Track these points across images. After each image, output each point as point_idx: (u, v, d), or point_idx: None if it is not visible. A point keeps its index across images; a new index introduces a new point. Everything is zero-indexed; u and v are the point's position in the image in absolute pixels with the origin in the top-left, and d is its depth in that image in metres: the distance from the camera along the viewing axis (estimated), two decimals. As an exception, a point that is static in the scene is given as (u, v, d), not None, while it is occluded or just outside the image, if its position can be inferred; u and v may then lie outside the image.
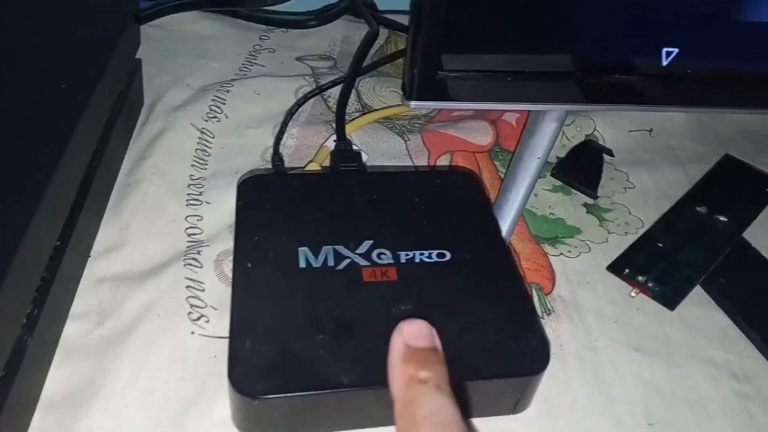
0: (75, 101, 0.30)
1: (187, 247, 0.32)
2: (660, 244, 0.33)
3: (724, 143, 0.43)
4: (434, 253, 0.29)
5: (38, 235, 0.25)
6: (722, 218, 0.35)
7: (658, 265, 0.32)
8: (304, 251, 0.28)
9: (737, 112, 0.39)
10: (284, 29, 0.50)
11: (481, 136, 0.40)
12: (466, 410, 0.26)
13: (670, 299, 0.31)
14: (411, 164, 0.38)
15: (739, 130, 0.44)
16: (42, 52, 0.32)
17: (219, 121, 0.39)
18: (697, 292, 0.32)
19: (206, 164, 0.37)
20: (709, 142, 0.43)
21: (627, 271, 0.32)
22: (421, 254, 0.29)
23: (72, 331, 0.27)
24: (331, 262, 0.28)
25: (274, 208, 0.30)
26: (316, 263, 0.28)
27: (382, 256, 0.28)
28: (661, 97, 0.35)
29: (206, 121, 0.39)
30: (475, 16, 0.32)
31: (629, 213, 0.37)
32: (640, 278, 0.32)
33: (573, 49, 0.33)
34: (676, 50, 0.34)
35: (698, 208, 0.36)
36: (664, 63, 0.34)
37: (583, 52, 0.33)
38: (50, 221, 0.27)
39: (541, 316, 0.31)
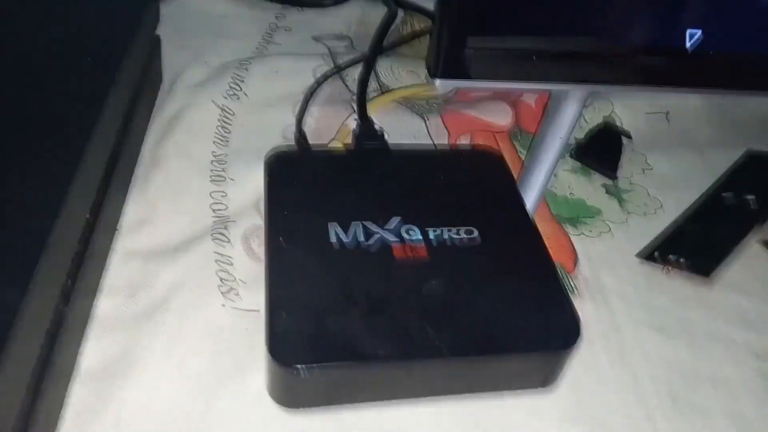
0: (102, 77, 0.29)
1: (213, 222, 0.32)
2: (689, 230, 0.33)
3: (741, 128, 0.43)
4: (462, 230, 0.29)
5: (71, 210, 0.25)
6: (750, 197, 0.35)
7: (689, 243, 0.33)
8: (334, 226, 0.28)
9: (760, 95, 0.40)
10: (300, 8, 0.49)
11: (501, 117, 0.40)
12: (497, 384, 0.26)
13: (704, 267, 0.32)
14: (431, 144, 0.38)
15: (755, 115, 0.45)
16: (66, 29, 0.31)
17: (239, 99, 0.39)
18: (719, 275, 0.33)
19: (228, 141, 0.36)
20: (725, 127, 0.43)
21: (656, 254, 0.33)
22: (449, 231, 0.29)
23: (105, 305, 0.28)
24: (361, 238, 0.28)
25: (301, 184, 0.30)
26: (347, 238, 0.28)
27: (411, 233, 0.29)
28: (683, 79, 0.35)
29: (226, 98, 0.39)
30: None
31: (648, 194, 0.37)
32: (671, 257, 0.32)
33: (597, 29, 0.33)
34: (699, 32, 0.34)
35: (724, 194, 0.36)
36: (687, 45, 0.34)
37: (608, 32, 0.33)
38: (82, 195, 0.27)
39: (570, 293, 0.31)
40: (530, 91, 0.42)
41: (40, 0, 0.33)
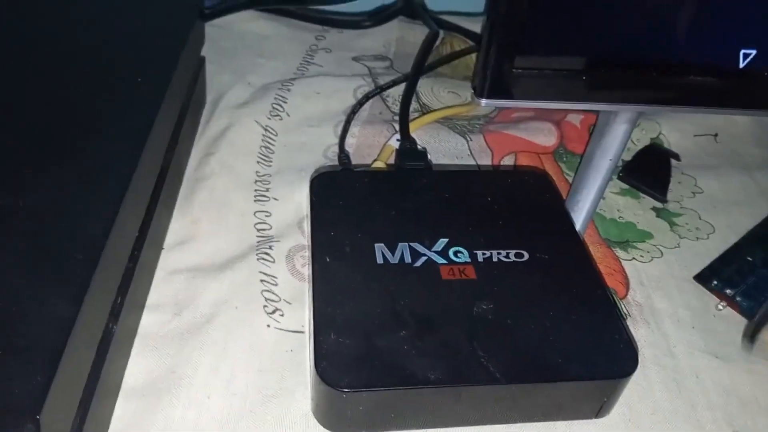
0: (151, 97, 0.30)
1: (258, 241, 0.32)
2: (749, 258, 0.32)
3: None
4: (512, 252, 0.28)
5: (123, 226, 0.25)
6: None
7: (747, 279, 0.31)
8: (380, 247, 0.28)
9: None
10: (339, 29, 0.50)
11: (545, 137, 0.40)
12: (549, 413, 0.25)
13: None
14: (474, 164, 0.38)
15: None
16: (116, 49, 0.32)
17: (281, 119, 0.39)
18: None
19: (271, 161, 0.37)
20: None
21: (715, 283, 0.32)
22: (499, 253, 0.28)
23: (150, 321, 0.28)
24: (408, 259, 0.28)
25: (347, 204, 0.30)
26: (393, 259, 0.27)
27: (459, 255, 0.28)
28: (735, 99, 0.34)
29: (269, 118, 0.39)
30: (550, 15, 0.31)
31: (699, 218, 0.36)
32: (728, 291, 0.31)
33: (648, 49, 0.33)
34: (754, 52, 0.33)
35: None
36: (741, 65, 0.33)
37: (659, 52, 0.33)
38: (132, 213, 0.27)
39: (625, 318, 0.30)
40: (577, 111, 0.41)
41: (89, 20, 0.34)
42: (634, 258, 0.33)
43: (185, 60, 0.35)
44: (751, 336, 0.28)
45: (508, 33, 0.31)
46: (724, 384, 0.28)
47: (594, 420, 0.26)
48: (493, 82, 0.32)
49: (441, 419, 0.25)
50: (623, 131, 0.34)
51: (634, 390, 0.27)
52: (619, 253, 0.33)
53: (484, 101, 0.33)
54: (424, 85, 0.44)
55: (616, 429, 0.26)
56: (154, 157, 0.30)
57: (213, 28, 0.47)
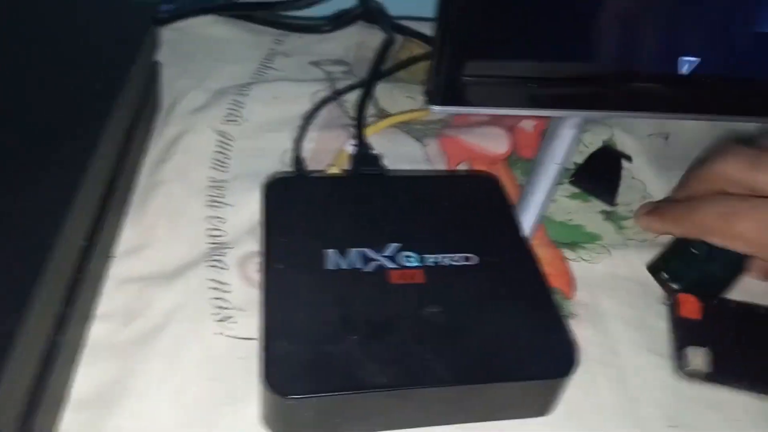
0: (101, 102, 0.30)
1: (211, 248, 0.32)
2: (694, 251, 0.33)
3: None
4: (460, 256, 0.29)
5: (69, 235, 0.25)
6: None
7: (691, 273, 0.33)
8: (331, 253, 0.28)
9: (756, 121, 0.40)
10: (299, 34, 0.50)
11: (498, 143, 0.40)
12: (495, 412, 0.26)
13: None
14: (429, 169, 0.39)
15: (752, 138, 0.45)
16: (67, 53, 0.32)
17: (238, 125, 0.39)
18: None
19: (227, 167, 0.37)
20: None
21: (665, 275, 0.33)
22: (448, 257, 0.29)
23: (99, 331, 0.27)
24: (358, 264, 0.28)
25: (300, 209, 0.30)
26: (344, 265, 0.28)
27: (409, 259, 0.28)
28: (680, 105, 0.35)
29: (225, 124, 0.39)
30: (499, 23, 0.32)
31: (646, 220, 0.37)
32: (675, 286, 0.32)
33: (594, 56, 0.34)
34: (695, 59, 0.34)
35: None
36: (685, 72, 0.34)
37: (605, 59, 0.34)
38: (80, 222, 0.27)
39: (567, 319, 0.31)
40: (527, 117, 0.42)
41: (39, 24, 0.33)
42: (581, 258, 0.34)
43: (139, 65, 0.35)
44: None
45: (458, 41, 0.32)
46: (667, 382, 0.29)
47: (539, 418, 0.27)
48: (443, 90, 0.33)
49: (391, 422, 0.25)
50: (571, 136, 0.35)
51: (579, 388, 0.28)
52: (567, 253, 0.34)
53: (436, 108, 0.33)
54: (382, 90, 0.44)
55: (561, 426, 0.27)
56: (104, 163, 0.30)
57: (171, 32, 0.47)
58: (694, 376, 0.28)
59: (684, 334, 0.30)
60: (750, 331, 0.30)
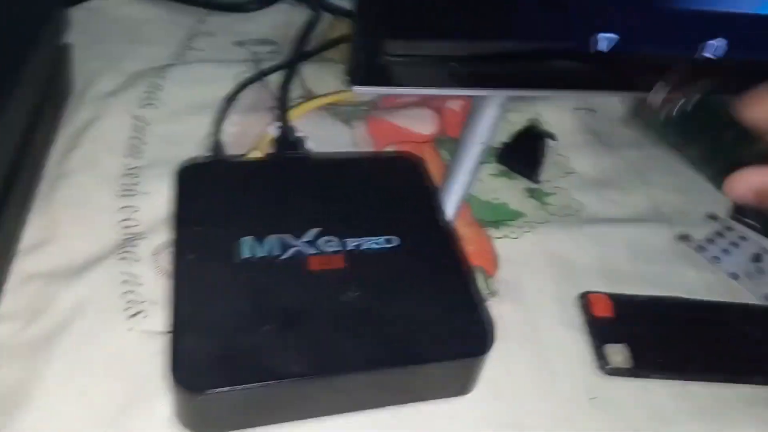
0: (-3, 88, 0.28)
1: (123, 239, 0.30)
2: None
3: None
4: (382, 239, 0.29)
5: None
6: None
7: None
8: (247, 241, 0.27)
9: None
10: (223, 12, 0.48)
11: (426, 124, 0.40)
12: (415, 394, 0.26)
13: None
14: (356, 152, 0.38)
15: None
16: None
17: (155, 108, 0.38)
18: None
19: (142, 153, 0.35)
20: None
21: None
22: (369, 240, 0.28)
23: (1, 332, 0.26)
24: (276, 252, 0.27)
25: (215, 196, 0.29)
26: (261, 253, 0.27)
27: (330, 244, 0.28)
28: (599, 82, 0.36)
29: (141, 108, 0.38)
30: (418, 2, 0.32)
31: (569, 196, 0.38)
32: None
33: (513, 34, 0.33)
34: (614, 36, 0.34)
35: None
36: (603, 49, 0.35)
37: (524, 37, 0.34)
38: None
39: (485, 299, 0.31)
40: (450, 97, 0.42)
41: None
42: (505, 235, 0.34)
43: (43, 47, 0.33)
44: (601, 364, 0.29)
45: (377, 20, 0.31)
46: (583, 356, 0.30)
47: (461, 397, 0.27)
48: (365, 70, 0.32)
49: (307, 410, 0.25)
50: (493, 115, 0.35)
51: (498, 365, 0.28)
52: (492, 231, 0.35)
53: (357, 89, 0.33)
54: (309, 70, 0.43)
55: (481, 403, 0.27)
56: (3, 154, 0.28)
57: (84, 12, 0.44)
58: (615, 373, 0.29)
59: (600, 332, 0.30)
60: (661, 322, 0.31)
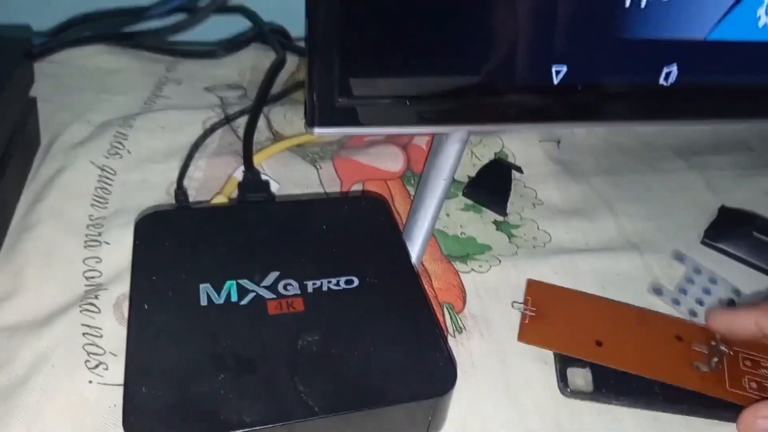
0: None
1: (85, 291, 0.30)
2: None
3: (627, 154, 0.45)
4: (342, 280, 0.29)
5: None
6: None
7: None
8: (205, 288, 0.27)
9: (628, 124, 0.41)
10: (192, 59, 0.49)
11: (392, 162, 0.41)
12: (379, 438, 0.25)
13: None
14: (323, 193, 0.38)
15: (641, 140, 0.47)
16: None
17: (121, 158, 0.38)
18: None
19: (107, 203, 0.35)
20: (611, 154, 0.45)
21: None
22: (329, 282, 0.28)
23: (-44, 389, 0.26)
24: (234, 298, 0.27)
25: (174, 244, 0.29)
26: (219, 299, 0.27)
27: (289, 287, 0.28)
28: (555, 113, 0.36)
29: (107, 157, 0.38)
30: (369, 42, 0.32)
31: (538, 228, 0.38)
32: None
33: (467, 71, 0.34)
34: (564, 68, 0.35)
35: None
36: (555, 81, 0.35)
37: (480, 74, 0.34)
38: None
39: (452, 334, 0.31)
40: (410, 134, 0.42)
41: None
42: (473, 269, 0.34)
43: (7, 103, 0.33)
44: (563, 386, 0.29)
45: (329, 60, 0.32)
46: (552, 389, 0.29)
47: (427, 437, 0.26)
48: (320, 111, 0.33)
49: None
50: (455, 151, 0.35)
51: (465, 401, 0.28)
52: (459, 266, 0.35)
53: (316, 130, 0.33)
54: (276, 113, 0.44)
55: (449, 442, 0.27)
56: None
57: (53, 65, 0.45)
58: (576, 395, 0.29)
59: (564, 356, 0.30)
60: None
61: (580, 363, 0.30)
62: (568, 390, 0.29)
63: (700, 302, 0.35)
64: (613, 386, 0.29)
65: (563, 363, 0.30)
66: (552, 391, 0.29)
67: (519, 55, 0.34)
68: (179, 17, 0.50)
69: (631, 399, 0.29)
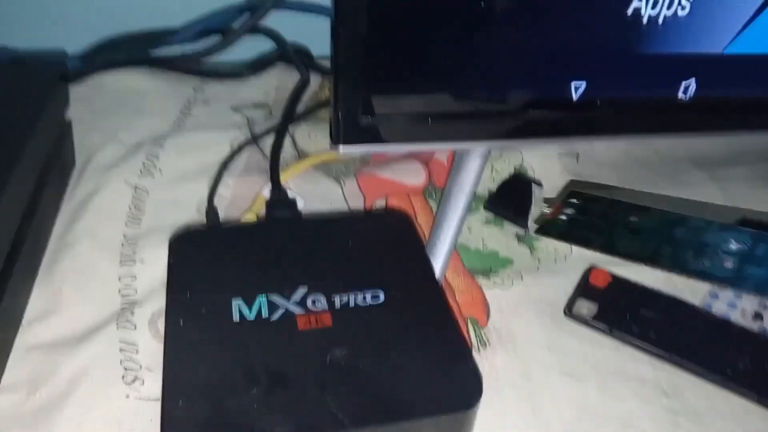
0: (1, 166, 0.29)
1: (121, 308, 0.31)
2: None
3: (646, 167, 0.45)
4: (368, 295, 0.29)
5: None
6: None
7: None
8: (237, 303, 0.28)
9: (647, 138, 0.42)
10: (220, 79, 0.50)
11: (414, 177, 0.41)
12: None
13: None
14: (347, 209, 0.39)
15: (660, 153, 0.47)
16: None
17: (153, 177, 0.40)
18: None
19: (140, 222, 0.36)
20: (630, 167, 0.45)
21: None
22: (355, 297, 0.29)
23: (4, 403, 0.27)
24: (265, 313, 0.28)
25: (206, 262, 0.30)
26: (250, 315, 0.28)
27: (317, 303, 0.29)
28: (575, 129, 0.37)
29: (139, 177, 0.39)
30: (393, 63, 0.33)
31: (558, 241, 0.38)
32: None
33: (489, 88, 0.35)
34: (583, 84, 0.36)
35: None
36: (575, 97, 0.36)
37: (498, 90, 0.35)
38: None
39: (477, 349, 0.32)
40: (432, 151, 0.43)
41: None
42: (495, 284, 0.35)
43: (44, 125, 0.35)
44: (568, 308, 0.33)
45: (354, 79, 0.33)
46: (577, 402, 0.30)
47: (452, 452, 0.27)
48: (345, 129, 0.33)
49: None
50: (476, 166, 0.36)
51: (491, 415, 0.28)
52: (482, 281, 0.35)
53: (341, 148, 0.34)
54: (301, 131, 0.45)
55: (473, 456, 0.27)
56: (5, 229, 0.29)
57: (86, 88, 0.47)
58: (576, 318, 0.33)
59: (583, 291, 0.33)
60: (640, 307, 0.33)
61: (592, 298, 0.33)
62: (571, 312, 0.33)
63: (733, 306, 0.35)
64: (611, 322, 0.32)
65: (578, 293, 0.33)
66: (575, 404, 0.30)
67: (538, 72, 0.35)
68: (210, 40, 0.51)
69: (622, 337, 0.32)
